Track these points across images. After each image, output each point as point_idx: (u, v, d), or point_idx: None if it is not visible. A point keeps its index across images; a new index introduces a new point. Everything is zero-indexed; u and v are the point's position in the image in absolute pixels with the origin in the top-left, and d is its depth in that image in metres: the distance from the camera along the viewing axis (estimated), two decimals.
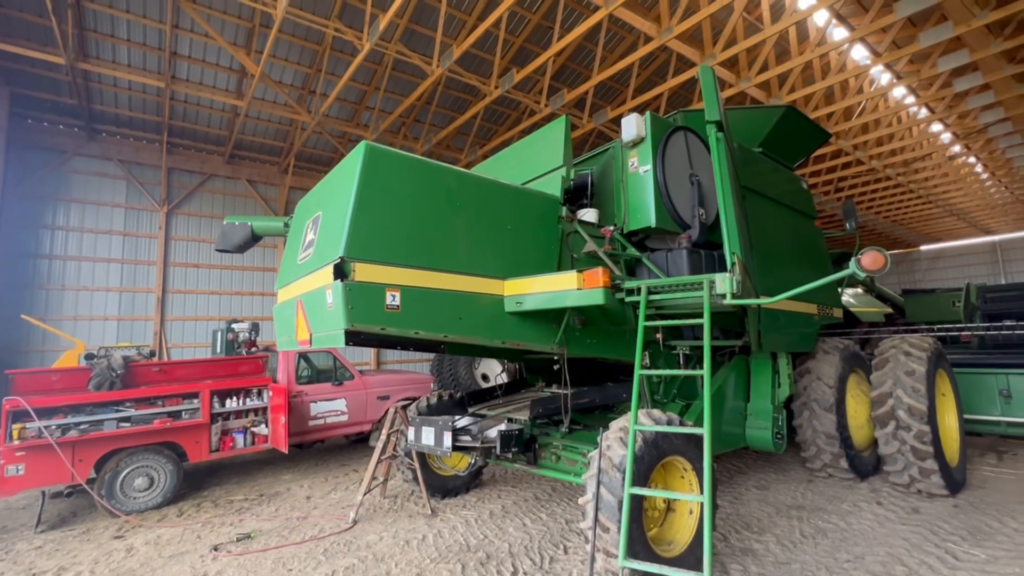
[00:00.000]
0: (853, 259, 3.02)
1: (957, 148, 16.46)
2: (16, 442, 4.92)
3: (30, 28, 9.84)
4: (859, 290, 10.69)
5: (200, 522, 5.22)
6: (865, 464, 5.67)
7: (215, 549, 4.46)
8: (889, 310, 10.94)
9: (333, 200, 3.63)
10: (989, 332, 7.92)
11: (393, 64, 12.02)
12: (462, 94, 13.67)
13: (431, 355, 14.89)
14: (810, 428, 5.49)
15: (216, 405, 6.21)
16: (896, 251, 35.01)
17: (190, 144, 13.93)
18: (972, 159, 17.90)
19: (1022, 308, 9.06)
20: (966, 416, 6.26)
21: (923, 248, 34.18)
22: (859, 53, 11.03)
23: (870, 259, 2.96)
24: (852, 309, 9.36)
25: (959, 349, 8.81)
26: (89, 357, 8.31)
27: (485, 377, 12.89)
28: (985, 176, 19.90)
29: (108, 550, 4.58)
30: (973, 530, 4.32)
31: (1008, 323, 7.98)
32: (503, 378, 6.80)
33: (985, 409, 6.50)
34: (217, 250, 6.02)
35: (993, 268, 31.11)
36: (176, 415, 5.90)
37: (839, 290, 6.83)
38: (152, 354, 10.57)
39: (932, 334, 8.00)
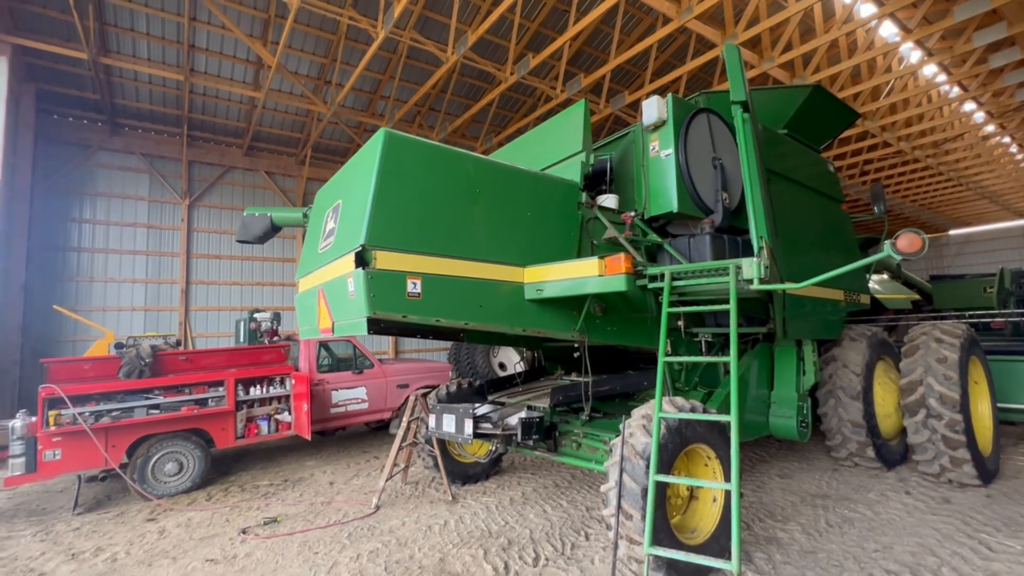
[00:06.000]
0: (888, 242, 2.90)
1: (991, 128, 15.81)
2: (52, 428, 5.10)
3: (53, 24, 10.01)
4: (884, 276, 10.39)
5: (228, 506, 5.36)
6: (892, 453, 5.55)
7: (244, 532, 4.58)
8: (916, 297, 10.62)
9: (353, 188, 3.62)
10: None
11: (408, 52, 11.96)
12: (477, 81, 13.56)
13: (449, 344, 14.99)
14: (836, 416, 5.38)
15: (240, 393, 6.34)
16: None
17: (209, 137, 14.12)
18: (1007, 139, 17.18)
19: None
20: (999, 404, 6.06)
21: (952, 232, 33.05)
22: (888, 30, 10.59)
23: (907, 241, 2.84)
24: (877, 296, 9.10)
25: (992, 336, 8.52)
26: (119, 346, 8.55)
27: (502, 366, 12.94)
28: (1020, 156, 19.11)
29: (142, 532, 4.73)
30: (1007, 521, 4.20)
31: None
32: (520, 366, 6.79)
33: (1019, 398, 6.28)
34: (238, 241, 6.10)
35: None
36: (203, 403, 6.04)
37: (866, 276, 6.64)
38: (178, 343, 10.82)
39: (963, 321, 7.75)
